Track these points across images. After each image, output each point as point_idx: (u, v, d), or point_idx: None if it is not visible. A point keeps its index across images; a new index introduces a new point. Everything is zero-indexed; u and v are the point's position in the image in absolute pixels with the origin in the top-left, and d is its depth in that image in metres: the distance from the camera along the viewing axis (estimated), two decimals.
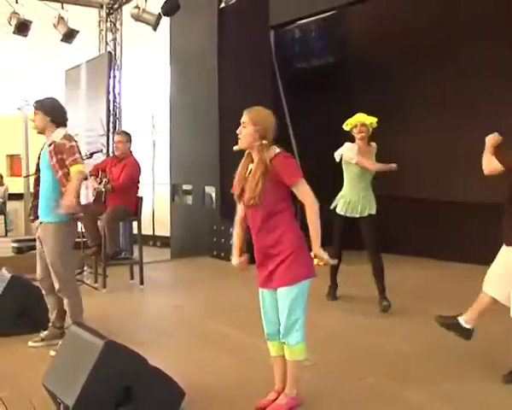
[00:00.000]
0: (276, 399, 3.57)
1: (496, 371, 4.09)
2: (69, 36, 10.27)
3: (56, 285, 4.68)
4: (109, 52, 11.44)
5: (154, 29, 9.53)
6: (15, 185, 14.99)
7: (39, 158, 4.86)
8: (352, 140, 5.96)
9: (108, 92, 11.08)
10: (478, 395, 3.76)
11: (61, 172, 4.62)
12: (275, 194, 3.34)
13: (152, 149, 12.45)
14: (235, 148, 3.48)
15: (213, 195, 9.78)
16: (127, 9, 10.49)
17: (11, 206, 14.27)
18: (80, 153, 4.79)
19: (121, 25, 11.73)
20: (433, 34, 8.41)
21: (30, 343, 4.83)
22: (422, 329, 5.23)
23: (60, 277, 4.65)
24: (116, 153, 7.41)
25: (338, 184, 6.08)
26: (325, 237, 5.13)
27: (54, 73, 12.85)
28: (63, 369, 3.42)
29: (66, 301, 4.74)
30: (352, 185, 5.90)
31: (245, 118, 3.42)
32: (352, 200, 5.88)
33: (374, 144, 6.05)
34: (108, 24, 11.78)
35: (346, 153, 5.86)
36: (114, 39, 11.75)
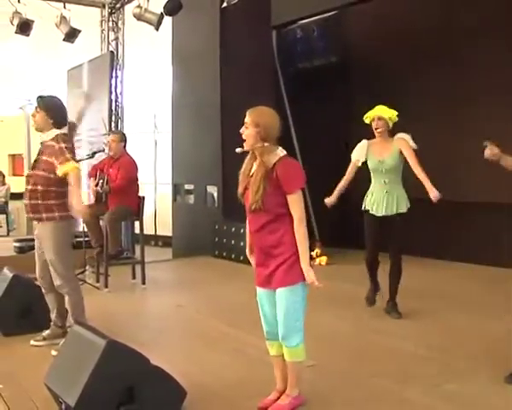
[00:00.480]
0: (278, 398, 3.57)
1: (497, 371, 4.08)
2: (71, 35, 10.28)
3: (56, 282, 4.66)
4: (111, 52, 11.45)
5: (157, 29, 9.52)
6: (17, 185, 14.99)
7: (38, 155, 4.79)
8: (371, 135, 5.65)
9: (110, 92, 11.10)
10: (479, 396, 3.75)
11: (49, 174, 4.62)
12: (276, 198, 3.32)
13: (154, 148, 12.46)
14: (238, 150, 3.47)
15: (215, 194, 9.79)
16: (129, 9, 10.51)
17: (13, 205, 14.27)
18: (73, 153, 4.70)
19: (123, 24, 11.75)
20: (434, 34, 8.40)
21: (32, 342, 4.83)
22: (424, 329, 5.23)
23: (59, 273, 4.64)
24: (110, 153, 7.43)
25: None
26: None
27: (56, 73, 12.86)
28: (65, 368, 3.43)
29: (66, 298, 4.73)
30: (374, 181, 5.59)
31: (247, 119, 3.41)
32: (376, 197, 5.51)
33: (398, 137, 5.48)
34: (110, 23, 11.80)
35: (354, 154, 5.65)
36: (116, 39, 11.77)
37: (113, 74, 11.22)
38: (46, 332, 4.90)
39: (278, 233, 3.35)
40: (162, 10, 9.28)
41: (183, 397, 3.49)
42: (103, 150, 7.86)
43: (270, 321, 3.50)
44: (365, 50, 9.64)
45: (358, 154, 5.61)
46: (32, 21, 9.93)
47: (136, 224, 7.70)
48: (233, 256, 8.93)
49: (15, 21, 9.84)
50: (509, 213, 7.56)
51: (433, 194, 5.18)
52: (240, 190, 3.48)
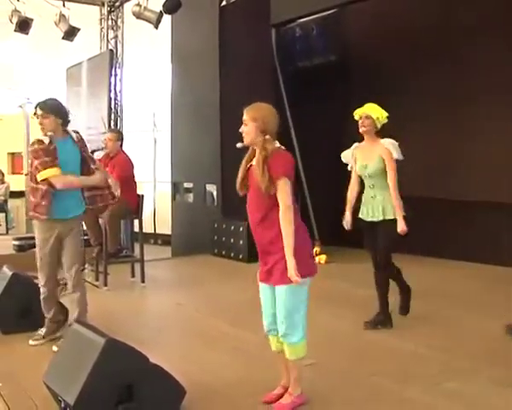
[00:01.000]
0: (282, 394, 3.59)
1: (498, 370, 4.09)
2: (70, 34, 10.29)
3: (73, 281, 4.68)
4: (111, 50, 11.45)
5: (156, 27, 9.53)
6: (17, 183, 14.99)
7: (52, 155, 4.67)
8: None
9: (110, 90, 11.10)
10: (479, 395, 3.75)
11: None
12: (273, 189, 3.33)
13: (153, 147, 12.45)
14: (238, 145, 3.51)
15: (214, 193, 9.79)
16: (128, 7, 10.51)
17: (12, 204, 14.28)
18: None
19: (122, 22, 11.75)
20: (433, 33, 8.39)
21: (30, 342, 4.82)
22: (424, 328, 5.22)
23: (79, 272, 4.72)
24: (106, 150, 7.44)
25: (340, 184, 6.03)
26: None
27: (55, 71, 12.86)
28: (64, 367, 3.43)
29: (78, 296, 4.71)
30: (364, 186, 5.29)
31: (245, 116, 3.44)
32: (365, 201, 5.22)
33: (383, 142, 5.11)
34: (110, 22, 11.80)
35: (344, 158, 5.44)
36: (116, 37, 11.76)
37: (113, 73, 11.22)
38: (43, 330, 4.88)
39: (274, 229, 3.34)
40: (161, 8, 9.30)
41: (183, 396, 3.49)
42: (102, 149, 7.87)
43: (269, 313, 3.50)
44: (365, 49, 9.63)
45: (347, 160, 5.41)
46: (32, 20, 9.93)
47: (136, 222, 7.70)
48: (232, 255, 8.93)
49: (15, 20, 9.84)
50: (509, 212, 7.56)
51: (401, 227, 4.95)
52: (238, 182, 3.49)
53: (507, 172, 7.71)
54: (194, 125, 9.85)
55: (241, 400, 3.72)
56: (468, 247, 7.94)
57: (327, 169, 6.34)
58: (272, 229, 3.35)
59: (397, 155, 5.09)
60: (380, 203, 5.08)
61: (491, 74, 7.78)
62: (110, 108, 11.09)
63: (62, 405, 3.26)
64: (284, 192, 3.31)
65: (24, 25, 9.88)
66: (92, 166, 4.84)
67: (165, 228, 11.33)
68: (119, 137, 7.49)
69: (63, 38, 10.31)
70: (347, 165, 5.45)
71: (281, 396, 3.60)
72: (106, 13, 11.77)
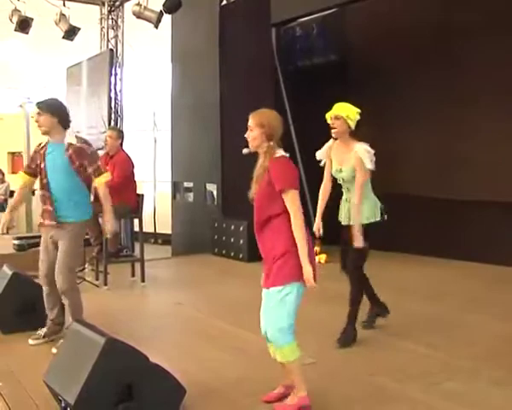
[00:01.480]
0: (283, 393, 3.61)
1: (498, 370, 4.09)
2: (71, 33, 10.29)
3: (63, 286, 4.63)
4: (111, 49, 11.45)
5: (156, 26, 9.53)
6: (17, 183, 14.98)
7: (42, 160, 4.73)
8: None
9: (110, 90, 11.10)
10: (479, 395, 3.75)
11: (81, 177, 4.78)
12: (270, 197, 3.36)
13: (153, 146, 12.46)
14: (245, 151, 3.53)
15: (215, 192, 9.79)
16: (129, 7, 10.51)
17: None
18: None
19: (123, 22, 11.75)
20: (433, 33, 8.40)
21: (30, 342, 4.82)
22: (423, 327, 5.23)
23: (67, 277, 4.64)
24: (105, 148, 7.44)
25: (340, 184, 6.01)
26: None
27: (55, 71, 12.87)
28: (64, 366, 3.43)
29: (68, 302, 4.71)
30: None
31: (250, 122, 3.47)
32: (342, 203, 4.99)
33: (357, 149, 4.73)
34: (110, 21, 11.79)
35: (318, 153, 5.19)
36: (116, 36, 11.76)
37: (113, 72, 11.22)
38: (43, 330, 4.88)
39: (273, 235, 3.38)
40: (161, 8, 9.29)
41: (183, 395, 3.49)
42: (102, 148, 7.86)
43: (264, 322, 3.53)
44: (365, 49, 9.62)
45: (321, 153, 5.12)
46: (32, 19, 9.93)
47: (136, 222, 7.70)
48: (232, 254, 8.93)
49: (15, 19, 9.84)
50: (509, 211, 7.56)
51: (357, 242, 4.64)
52: (251, 193, 3.51)
53: (507, 171, 7.72)
54: (195, 124, 9.85)
55: (241, 399, 3.72)
56: (467, 247, 7.93)
57: None
58: (271, 235, 3.39)
59: (369, 165, 4.74)
60: (353, 206, 4.79)
61: (490, 74, 7.78)
62: (110, 107, 11.10)
63: (62, 404, 3.26)
64: (293, 203, 3.34)
65: (24, 24, 9.88)
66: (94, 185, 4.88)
67: (165, 227, 11.34)
68: (120, 135, 7.48)
69: (63, 37, 10.32)
70: (321, 161, 5.18)
71: (281, 395, 3.61)
72: (106, 12, 11.77)
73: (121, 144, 7.49)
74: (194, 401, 3.59)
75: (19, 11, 9.80)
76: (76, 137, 5.01)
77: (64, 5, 10.24)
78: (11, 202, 5.18)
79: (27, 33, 10.05)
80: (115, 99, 11.35)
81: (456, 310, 5.78)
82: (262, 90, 8.91)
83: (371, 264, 5.89)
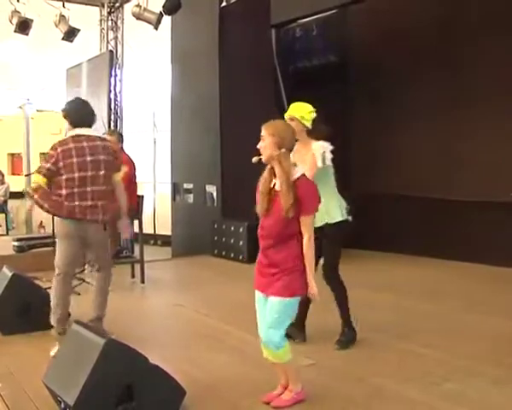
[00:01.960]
0: (282, 393, 3.64)
1: (498, 370, 4.09)
2: (70, 34, 10.28)
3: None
4: (110, 51, 11.45)
5: (156, 28, 9.52)
6: (16, 184, 14.98)
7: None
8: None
9: (109, 91, 11.10)
10: (479, 395, 3.74)
11: None
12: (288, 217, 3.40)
13: (153, 147, 12.44)
14: (254, 160, 3.52)
15: (214, 193, 9.78)
16: (128, 8, 10.51)
17: (12, 204, 14.26)
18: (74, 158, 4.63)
19: (122, 23, 11.76)
20: (434, 33, 8.41)
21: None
22: (423, 327, 5.23)
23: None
24: None
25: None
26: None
27: (55, 72, 12.86)
28: (64, 368, 3.42)
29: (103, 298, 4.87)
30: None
31: (263, 132, 3.51)
32: None
33: (314, 147, 4.64)
34: (110, 22, 11.80)
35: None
36: (115, 38, 11.77)
37: (113, 73, 11.22)
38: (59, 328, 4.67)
39: (284, 253, 3.43)
40: (161, 9, 9.28)
41: (182, 396, 3.49)
42: None
43: (261, 326, 3.56)
44: (365, 49, 9.63)
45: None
46: (31, 20, 9.93)
47: (136, 223, 7.69)
48: (232, 255, 8.93)
49: (14, 20, 9.84)
50: (509, 211, 7.57)
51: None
52: (262, 207, 3.51)
53: (507, 172, 7.72)
54: (194, 125, 9.84)
55: (241, 400, 3.72)
56: (467, 247, 7.94)
57: None
58: (282, 253, 3.44)
59: (320, 162, 4.58)
60: (325, 206, 4.41)
61: (491, 75, 7.79)
62: (110, 108, 11.10)
63: (62, 405, 3.26)
64: (310, 226, 3.46)
65: (24, 25, 9.87)
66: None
67: (165, 229, 11.32)
68: (119, 138, 7.49)
69: (63, 38, 10.31)
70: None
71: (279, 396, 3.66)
72: (106, 14, 11.78)
73: (121, 147, 7.47)
74: (194, 402, 3.58)
75: (19, 12, 9.80)
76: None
77: (64, 6, 10.23)
78: None
79: (27, 35, 10.04)
80: (115, 100, 11.35)
81: (456, 310, 5.78)
82: (262, 91, 8.91)
83: (371, 264, 5.91)
